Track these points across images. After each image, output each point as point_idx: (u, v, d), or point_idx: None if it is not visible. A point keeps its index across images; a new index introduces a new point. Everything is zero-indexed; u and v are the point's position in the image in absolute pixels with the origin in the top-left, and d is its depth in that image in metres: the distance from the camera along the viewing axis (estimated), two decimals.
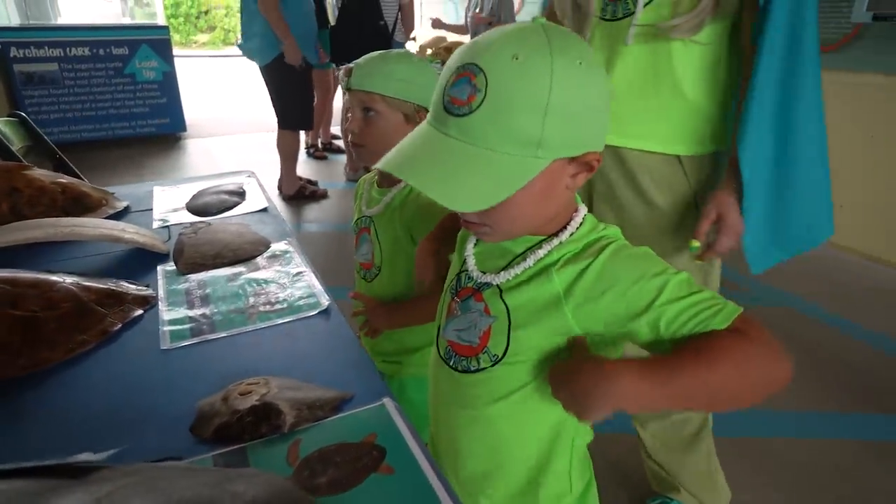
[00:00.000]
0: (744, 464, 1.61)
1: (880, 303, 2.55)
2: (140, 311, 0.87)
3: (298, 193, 3.64)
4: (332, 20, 3.66)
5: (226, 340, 0.81)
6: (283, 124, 3.45)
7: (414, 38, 5.04)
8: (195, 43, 16.44)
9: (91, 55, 4.79)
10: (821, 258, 2.88)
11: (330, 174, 4.39)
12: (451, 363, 0.73)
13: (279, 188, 3.80)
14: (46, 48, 4.62)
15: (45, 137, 2.48)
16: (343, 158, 4.64)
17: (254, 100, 7.72)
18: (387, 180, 1.10)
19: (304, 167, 4.43)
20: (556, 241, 0.65)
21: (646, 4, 0.97)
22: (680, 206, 1.09)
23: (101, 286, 0.88)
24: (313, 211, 3.62)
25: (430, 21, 4.61)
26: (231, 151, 5.11)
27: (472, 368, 0.71)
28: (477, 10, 4.52)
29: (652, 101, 1.03)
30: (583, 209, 0.68)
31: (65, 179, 1.24)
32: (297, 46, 3.10)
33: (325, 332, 0.84)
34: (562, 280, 0.63)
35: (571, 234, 0.66)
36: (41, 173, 1.22)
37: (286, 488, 0.49)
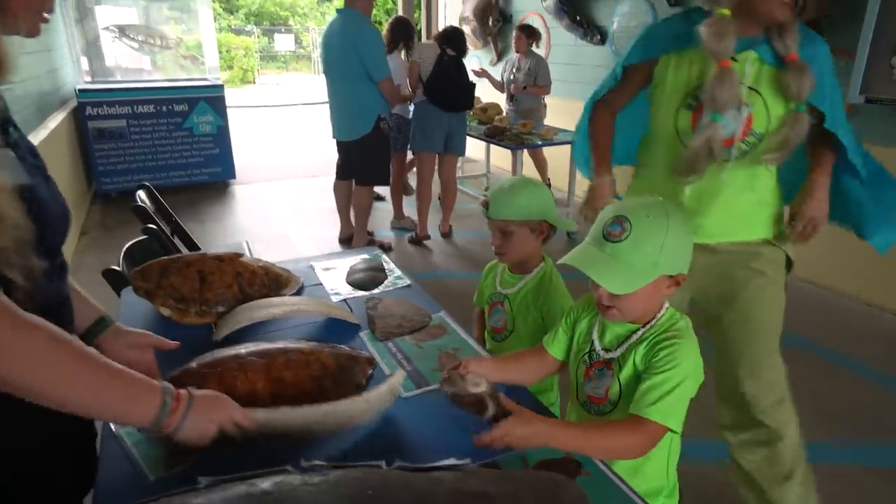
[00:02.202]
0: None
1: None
2: (371, 370, 1.27)
3: (368, 247, 4.04)
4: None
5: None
6: (364, 182, 3.89)
7: None
8: None
9: (155, 111, 5.28)
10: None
11: (373, 224, 4.82)
12: (589, 410, 1.15)
13: (341, 239, 4.23)
14: (117, 106, 5.11)
15: (164, 202, 2.93)
16: (386, 206, 5.05)
17: (290, 147, 8.24)
18: (518, 269, 1.52)
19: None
20: (642, 331, 1.10)
21: (748, 150, 1.45)
22: (775, 259, 1.57)
23: (344, 351, 1.28)
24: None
25: (475, 72, 4.98)
26: (276, 197, 5.56)
27: (606, 411, 1.12)
28: (515, 71, 4.99)
29: (748, 206, 1.52)
30: (666, 307, 1.12)
31: (263, 263, 1.66)
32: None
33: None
34: (639, 354, 1.09)
35: (656, 323, 1.10)
36: (248, 259, 1.63)
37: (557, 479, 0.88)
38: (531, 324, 1.48)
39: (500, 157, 5.89)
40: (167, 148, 5.41)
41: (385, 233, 4.54)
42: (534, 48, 4.91)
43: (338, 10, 3.71)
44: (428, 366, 1.30)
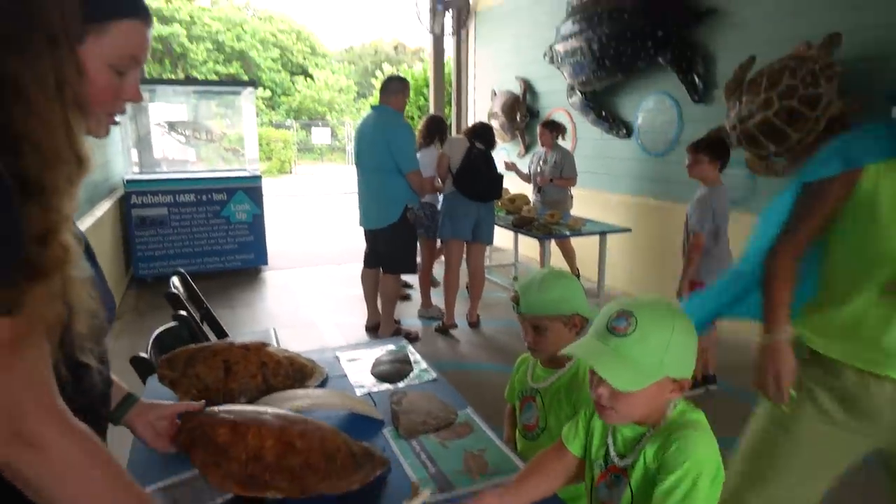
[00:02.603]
0: None
1: None
2: (382, 473, 1.21)
3: (394, 335, 4.01)
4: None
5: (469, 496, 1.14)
6: (391, 270, 3.94)
7: None
8: None
9: (195, 200, 5.51)
10: None
11: (400, 312, 4.81)
12: None
13: (367, 327, 4.22)
14: (160, 195, 5.36)
15: (196, 289, 2.98)
16: (415, 294, 5.07)
17: (322, 235, 8.46)
18: (550, 363, 1.48)
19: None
20: (652, 433, 1.04)
21: None
22: None
23: (362, 444, 1.23)
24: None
25: (504, 164, 5.16)
26: (305, 284, 5.63)
27: None
28: (541, 163, 5.12)
29: None
30: (673, 405, 1.05)
31: (289, 353, 1.65)
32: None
33: None
34: (650, 453, 1.03)
35: (665, 423, 1.04)
36: (273, 349, 1.62)
37: None
38: (564, 420, 1.41)
39: (529, 246, 5.92)
40: (204, 235, 5.60)
41: (412, 321, 4.52)
42: (559, 141, 5.06)
43: (372, 107, 3.92)
44: (453, 467, 1.24)
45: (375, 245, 4.00)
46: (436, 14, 7.86)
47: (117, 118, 0.91)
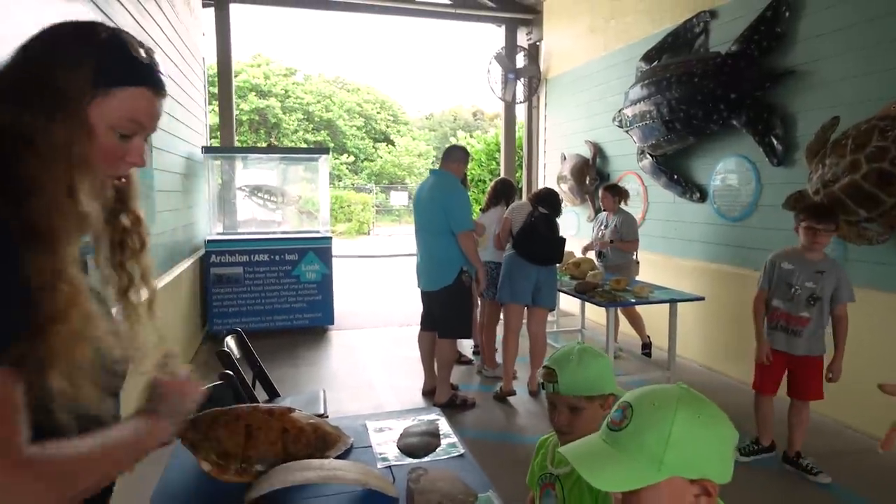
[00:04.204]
0: None
1: None
2: None
3: (450, 402, 3.90)
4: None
5: None
6: (446, 334, 3.87)
7: None
8: (335, 232, 18.72)
9: (269, 260, 5.75)
10: None
11: (458, 377, 4.70)
12: None
13: (424, 392, 4.14)
14: (237, 255, 5.64)
15: (251, 347, 3.04)
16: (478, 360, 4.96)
17: (389, 296, 8.58)
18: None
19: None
20: None
21: None
22: None
23: None
24: (467, 417, 3.78)
25: (583, 249, 5.14)
26: (368, 344, 5.65)
27: None
28: (602, 228, 5.00)
29: None
30: None
31: (313, 420, 1.60)
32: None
33: None
34: None
35: None
36: (298, 415, 1.59)
37: None
38: None
39: (596, 312, 5.69)
40: (275, 293, 5.79)
41: (472, 387, 4.39)
42: (622, 206, 4.91)
43: (431, 171, 3.99)
44: None
45: (431, 308, 3.97)
46: (507, 83, 8.07)
47: (120, 181, 0.94)
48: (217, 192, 6.30)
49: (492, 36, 8.71)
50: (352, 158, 27.28)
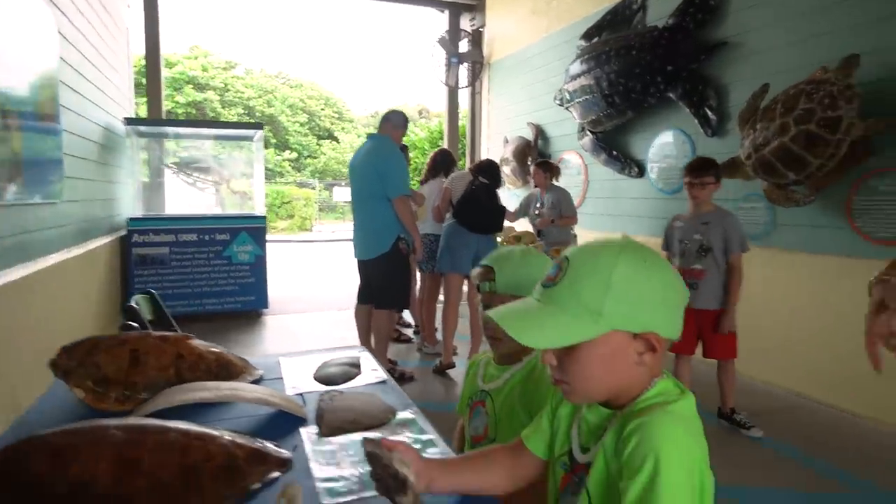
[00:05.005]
0: None
1: None
2: (278, 474, 0.96)
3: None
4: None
5: (380, 500, 0.88)
6: (383, 304, 3.69)
7: None
8: (275, 229, 18.17)
9: (198, 240, 5.42)
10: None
11: (396, 353, 4.54)
12: None
13: None
14: (162, 234, 5.29)
15: (167, 312, 2.79)
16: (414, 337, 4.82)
17: (324, 281, 8.33)
18: (506, 359, 1.22)
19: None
20: (619, 416, 0.77)
21: None
22: None
23: (251, 445, 0.99)
24: (406, 390, 3.65)
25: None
26: (307, 328, 5.41)
27: None
28: (539, 206, 4.93)
29: None
30: (657, 381, 0.78)
31: (216, 349, 1.42)
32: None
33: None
34: (609, 447, 0.75)
35: (635, 404, 0.76)
36: (199, 343, 1.40)
37: None
38: (519, 429, 1.14)
39: None
40: (204, 275, 5.47)
41: (411, 363, 4.24)
42: (554, 182, 4.85)
43: (368, 136, 3.81)
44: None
45: (367, 278, 3.80)
46: (451, 67, 7.98)
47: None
48: (141, 167, 5.90)
49: (435, 23, 8.61)
50: (294, 155, 26.63)
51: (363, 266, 3.79)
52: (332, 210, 22.83)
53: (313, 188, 22.22)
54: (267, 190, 19.01)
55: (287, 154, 26.20)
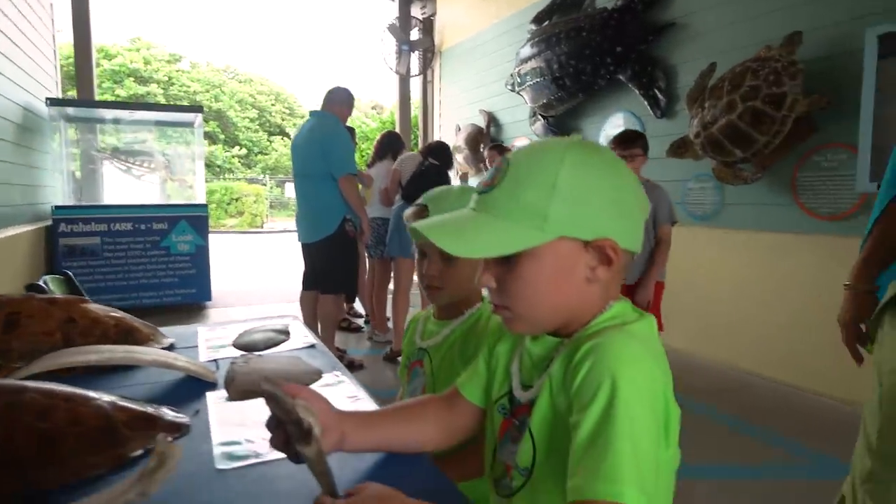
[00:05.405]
0: None
1: None
2: (169, 439, 0.81)
3: None
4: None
5: (285, 462, 0.74)
6: (329, 289, 3.50)
7: None
8: (224, 226, 17.58)
9: (133, 230, 5.10)
10: None
11: (345, 342, 4.38)
12: (499, 490, 0.70)
13: None
14: (93, 224, 4.95)
15: (85, 295, 2.55)
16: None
17: (273, 273, 8.07)
18: (445, 312, 1.10)
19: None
20: (567, 343, 0.65)
21: None
22: None
23: (137, 408, 0.84)
24: (355, 378, 3.48)
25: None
26: (251, 321, 5.17)
27: (513, 487, 0.67)
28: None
29: None
30: (616, 302, 0.67)
31: (118, 314, 1.25)
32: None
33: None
34: (556, 378, 0.64)
35: (587, 328, 0.65)
36: (97, 307, 1.23)
37: None
38: None
39: None
40: (140, 267, 5.15)
41: (361, 352, 4.08)
42: None
43: (311, 112, 3.61)
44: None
45: (312, 263, 3.61)
46: (401, 54, 7.83)
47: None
48: (68, 153, 5.52)
49: (386, 11, 8.42)
50: (244, 151, 25.89)
51: (307, 250, 3.61)
52: (285, 207, 22.28)
53: (264, 184, 21.63)
54: (215, 186, 18.43)
55: (236, 150, 25.46)
